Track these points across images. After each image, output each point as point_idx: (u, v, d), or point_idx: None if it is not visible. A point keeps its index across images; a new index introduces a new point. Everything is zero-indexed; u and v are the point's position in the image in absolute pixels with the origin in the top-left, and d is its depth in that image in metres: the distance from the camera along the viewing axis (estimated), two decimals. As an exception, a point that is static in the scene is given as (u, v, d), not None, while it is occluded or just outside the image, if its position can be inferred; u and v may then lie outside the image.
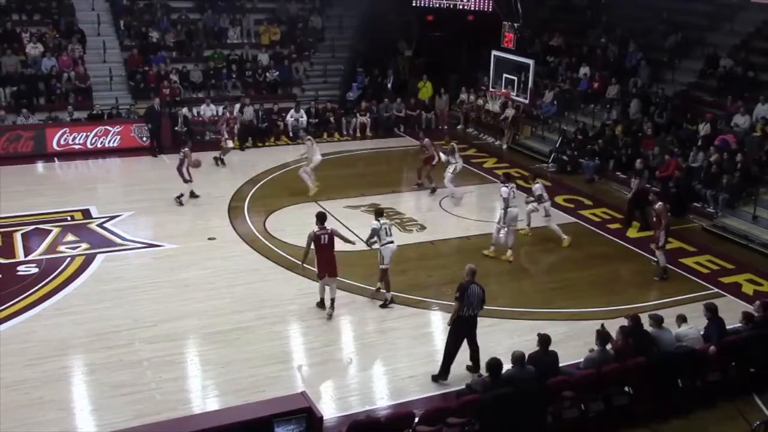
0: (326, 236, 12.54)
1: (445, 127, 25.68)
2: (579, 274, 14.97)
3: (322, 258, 12.58)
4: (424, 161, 19.36)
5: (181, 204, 17.72)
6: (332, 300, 12.79)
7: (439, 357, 11.99)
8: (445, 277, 14.67)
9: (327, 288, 12.78)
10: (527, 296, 14.00)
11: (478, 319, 12.89)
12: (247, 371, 11.16)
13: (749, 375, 11.09)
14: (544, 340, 9.96)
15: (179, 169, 17.85)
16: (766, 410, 10.50)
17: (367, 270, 14.52)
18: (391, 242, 13.34)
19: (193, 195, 18.12)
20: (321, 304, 12.89)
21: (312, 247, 12.59)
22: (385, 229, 13.30)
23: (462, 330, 10.99)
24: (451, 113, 26.87)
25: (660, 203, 14.91)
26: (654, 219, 14.97)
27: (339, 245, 12.87)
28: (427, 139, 19.55)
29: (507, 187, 15.58)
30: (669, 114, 21.42)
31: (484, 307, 11.18)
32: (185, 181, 17.90)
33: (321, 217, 12.78)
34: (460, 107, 26.49)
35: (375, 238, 13.23)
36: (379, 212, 13.73)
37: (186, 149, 18.10)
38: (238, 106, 22.96)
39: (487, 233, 16.90)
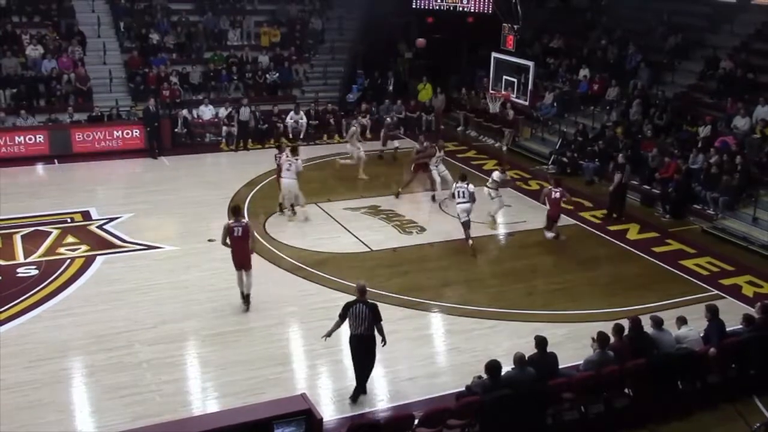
0: (239, 229, 12.67)
1: (442, 127, 25.67)
2: (579, 276, 14.97)
3: (236, 250, 12.78)
4: (416, 168, 19.25)
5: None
6: (247, 296, 12.94)
7: (440, 359, 12.07)
8: (444, 279, 14.68)
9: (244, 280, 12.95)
10: (527, 298, 13.98)
11: (479, 320, 13.02)
12: (247, 373, 11.16)
13: (749, 377, 11.08)
14: (541, 341, 9.96)
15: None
16: (766, 412, 10.49)
17: (364, 272, 14.53)
18: (461, 203, 15.88)
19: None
20: (242, 297, 13.02)
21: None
22: (458, 191, 15.99)
23: (352, 351, 10.54)
24: (451, 114, 26.89)
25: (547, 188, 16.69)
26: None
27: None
28: (426, 143, 19.46)
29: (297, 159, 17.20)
30: (669, 116, 21.43)
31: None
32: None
33: (235, 210, 12.99)
34: (462, 100, 26.43)
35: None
36: (462, 176, 16.40)
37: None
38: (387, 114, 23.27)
39: (487, 234, 16.94)
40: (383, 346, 10.51)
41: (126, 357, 11.50)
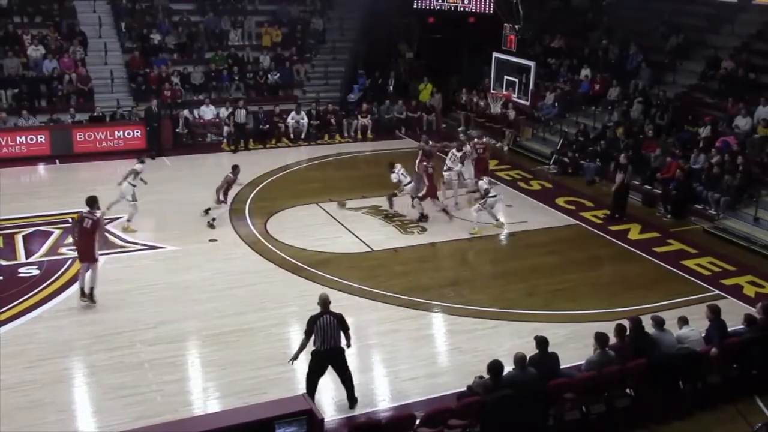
0: (90, 221, 12.70)
1: (443, 126, 25.68)
2: (580, 276, 14.95)
3: (81, 241, 12.78)
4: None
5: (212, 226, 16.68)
6: (91, 289, 12.84)
7: (440, 359, 12.06)
8: (445, 279, 14.68)
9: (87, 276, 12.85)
10: (528, 298, 13.97)
11: (480, 320, 13.00)
12: (248, 373, 11.16)
13: (751, 377, 11.07)
14: (542, 341, 9.95)
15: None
16: (767, 412, 10.49)
17: (364, 272, 14.54)
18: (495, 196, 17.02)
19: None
20: (81, 293, 12.90)
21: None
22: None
23: (317, 365, 10.12)
24: (452, 115, 26.90)
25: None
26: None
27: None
28: (431, 142, 19.31)
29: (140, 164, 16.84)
30: (670, 116, 21.43)
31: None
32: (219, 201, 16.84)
33: (90, 201, 12.96)
34: (459, 105, 26.53)
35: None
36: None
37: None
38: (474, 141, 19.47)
39: (487, 235, 16.94)
40: (348, 347, 10.23)
41: (127, 357, 11.50)
